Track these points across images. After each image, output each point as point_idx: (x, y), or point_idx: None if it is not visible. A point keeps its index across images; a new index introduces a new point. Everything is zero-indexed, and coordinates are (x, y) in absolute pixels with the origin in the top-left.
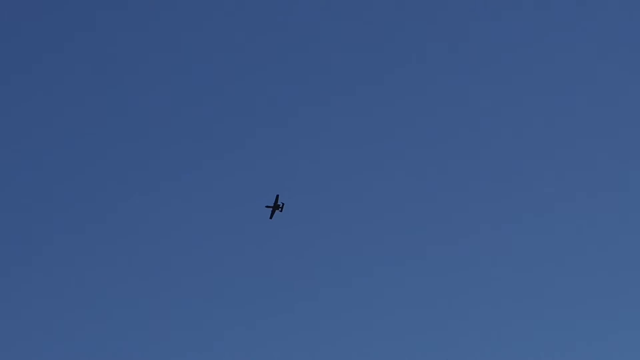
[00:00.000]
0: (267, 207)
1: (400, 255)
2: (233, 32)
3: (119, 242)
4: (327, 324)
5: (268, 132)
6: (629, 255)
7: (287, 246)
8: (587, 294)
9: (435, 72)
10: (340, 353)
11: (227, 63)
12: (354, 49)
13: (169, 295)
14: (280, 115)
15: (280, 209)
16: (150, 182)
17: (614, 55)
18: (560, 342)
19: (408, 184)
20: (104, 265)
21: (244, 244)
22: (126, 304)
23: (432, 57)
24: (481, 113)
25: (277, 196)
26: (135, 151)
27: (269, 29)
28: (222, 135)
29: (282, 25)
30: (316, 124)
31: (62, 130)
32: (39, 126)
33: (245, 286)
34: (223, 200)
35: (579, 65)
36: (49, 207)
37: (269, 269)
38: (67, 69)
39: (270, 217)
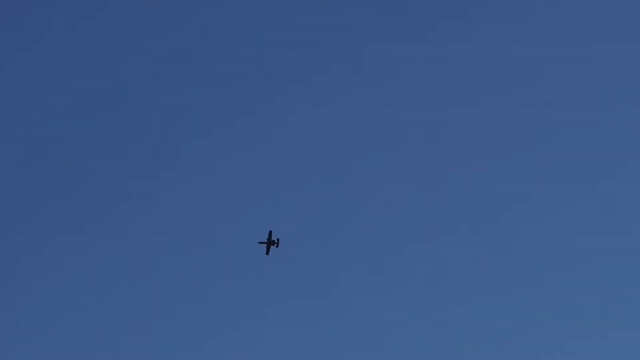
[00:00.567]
0: (260, 243)
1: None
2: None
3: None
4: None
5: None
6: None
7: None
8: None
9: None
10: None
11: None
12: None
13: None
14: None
15: (276, 245)
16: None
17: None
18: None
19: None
20: (104, 265)
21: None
22: (126, 304)
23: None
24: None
25: (270, 232)
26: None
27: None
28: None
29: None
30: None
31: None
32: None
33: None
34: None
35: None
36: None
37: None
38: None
39: (267, 253)
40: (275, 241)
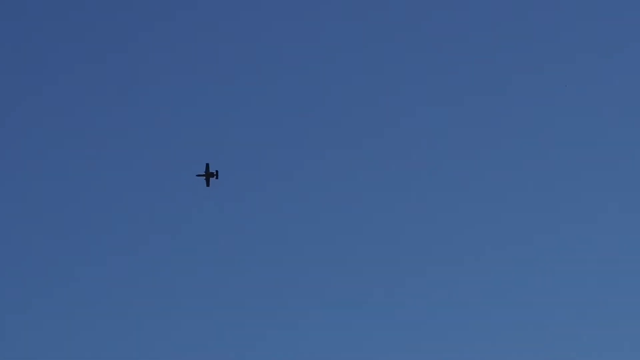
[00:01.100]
0: (198, 175)
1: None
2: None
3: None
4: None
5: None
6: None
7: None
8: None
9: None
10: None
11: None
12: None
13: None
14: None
15: (215, 176)
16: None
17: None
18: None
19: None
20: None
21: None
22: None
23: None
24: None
25: (207, 164)
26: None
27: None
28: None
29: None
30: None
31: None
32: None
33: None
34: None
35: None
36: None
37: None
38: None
39: (207, 185)
40: (214, 173)
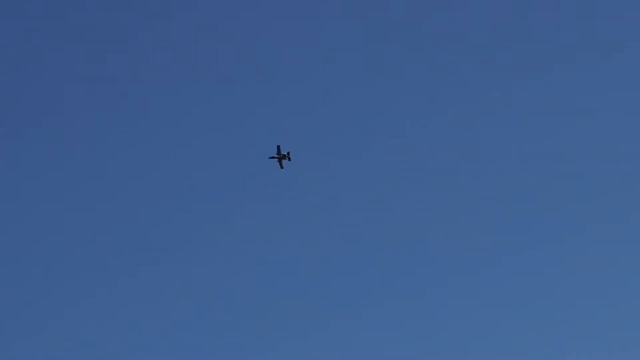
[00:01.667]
0: (271, 158)
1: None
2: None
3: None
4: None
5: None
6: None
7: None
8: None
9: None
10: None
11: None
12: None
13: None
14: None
15: (287, 158)
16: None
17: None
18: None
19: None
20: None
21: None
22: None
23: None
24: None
25: (279, 146)
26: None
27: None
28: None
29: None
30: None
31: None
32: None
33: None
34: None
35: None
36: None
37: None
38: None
39: (281, 167)
40: (287, 154)
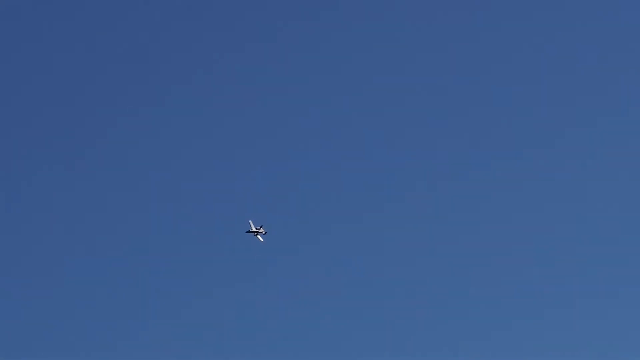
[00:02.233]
0: (247, 232)
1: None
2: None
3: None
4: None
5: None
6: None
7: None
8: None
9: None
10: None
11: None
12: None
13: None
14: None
15: (262, 232)
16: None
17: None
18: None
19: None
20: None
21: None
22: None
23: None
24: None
25: (250, 222)
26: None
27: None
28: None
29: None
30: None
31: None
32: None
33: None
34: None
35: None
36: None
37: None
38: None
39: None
40: (259, 229)
